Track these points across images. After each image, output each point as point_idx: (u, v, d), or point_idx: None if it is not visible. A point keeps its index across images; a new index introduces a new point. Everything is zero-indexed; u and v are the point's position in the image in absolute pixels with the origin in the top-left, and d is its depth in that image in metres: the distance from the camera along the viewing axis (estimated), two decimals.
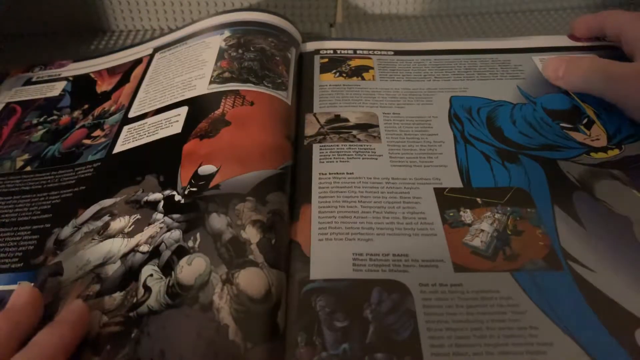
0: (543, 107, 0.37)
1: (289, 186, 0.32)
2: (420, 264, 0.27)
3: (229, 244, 0.27)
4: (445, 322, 0.25)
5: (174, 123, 0.35)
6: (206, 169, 0.31)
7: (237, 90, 0.37)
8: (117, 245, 0.28)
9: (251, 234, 0.28)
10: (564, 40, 0.43)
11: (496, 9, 0.54)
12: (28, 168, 0.36)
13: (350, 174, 0.32)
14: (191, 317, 0.25)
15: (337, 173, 0.33)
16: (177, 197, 0.30)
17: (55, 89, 0.43)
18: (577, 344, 0.24)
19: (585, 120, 0.36)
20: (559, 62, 0.38)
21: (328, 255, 0.28)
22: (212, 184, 0.30)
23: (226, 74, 0.38)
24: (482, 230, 0.29)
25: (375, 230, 0.29)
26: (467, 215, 0.30)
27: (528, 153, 0.33)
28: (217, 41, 0.42)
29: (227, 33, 0.42)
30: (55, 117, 0.41)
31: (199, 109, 0.36)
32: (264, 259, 0.27)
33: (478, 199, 0.31)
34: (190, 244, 0.28)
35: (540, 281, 0.26)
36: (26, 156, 0.37)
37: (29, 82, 0.45)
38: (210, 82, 0.38)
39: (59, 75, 0.45)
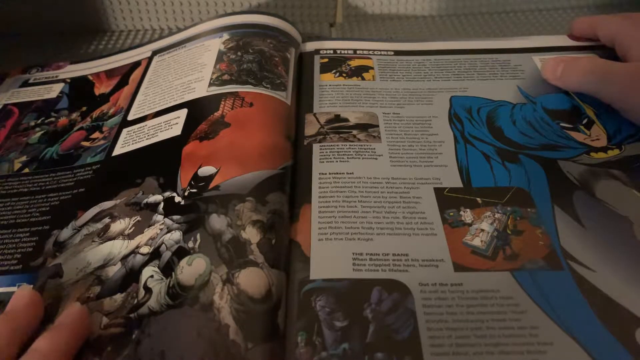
0: (543, 107, 0.37)
1: (288, 186, 0.32)
2: (420, 263, 0.27)
3: (229, 244, 0.27)
4: (445, 322, 0.25)
5: (173, 125, 0.35)
6: (206, 170, 0.31)
7: (236, 92, 0.37)
8: (118, 247, 0.28)
9: (251, 234, 0.28)
10: (563, 40, 0.43)
11: (496, 9, 0.54)
12: (26, 170, 0.36)
13: (350, 173, 0.32)
14: (192, 317, 0.25)
15: (337, 173, 0.33)
16: (177, 199, 0.30)
17: (53, 91, 0.43)
18: (577, 343, 0.24)
19: (585, 120, 0.36)
20: (557, 62, 0.38)
21: (328, 255, 0.28)
22: (212, 184, 0.30)
23: (225, 77, 0.38)
24: (482, 230, 0.29)
25: (375, 230, 0.29)
26: (467, 215, 0.30)
27: (528, 153, 0.33)
28: (215, 44, 0.42)
29: (225, 36, 0.42)
30: (53, 119, 0.40)
31: (198, 111, 0.36)
32: (264, 259, 0.27)
33: (478, 199, 0.31)
34: (190, 244, 0.28)
35: (541, 281, 0.26)
36: (24, 158, 0.37)
37: (26, 84, 0.45)
38: (210, 85, 0.38)
39: (57, 77, 0.45)
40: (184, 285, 0.26)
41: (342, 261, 0.28)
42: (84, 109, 0.41)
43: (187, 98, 0.38)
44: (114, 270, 0.27)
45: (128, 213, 0.30)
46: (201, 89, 0.38)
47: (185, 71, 0.41)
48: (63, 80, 0.45)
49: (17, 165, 0.36)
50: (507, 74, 0.41)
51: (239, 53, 0.40)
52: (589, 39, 0.42)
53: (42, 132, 0.39)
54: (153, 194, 0.31)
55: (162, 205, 0.30)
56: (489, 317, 0.25)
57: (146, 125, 0.37)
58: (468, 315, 0.25)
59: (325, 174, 0.33)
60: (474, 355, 0.23)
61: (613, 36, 0.39)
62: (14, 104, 0.43)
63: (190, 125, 0.35)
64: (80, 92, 0.43)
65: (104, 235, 0.29)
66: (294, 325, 0.25)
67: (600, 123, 0.35)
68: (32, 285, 0.27)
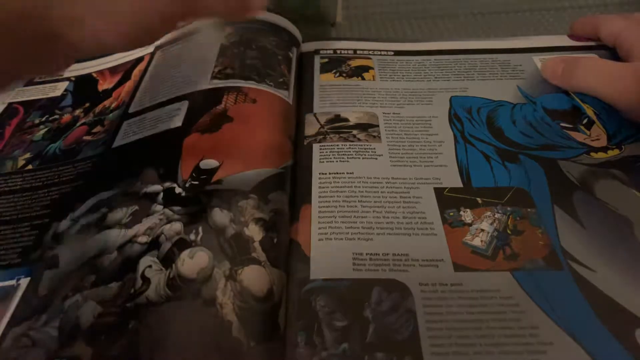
0: (543, 107, 0.37)
1: (289, 186, 0.32)
2: (421, 263, 0.27)
3: (232, 240, 0.27)
4: (445, 322, 0.25)
5: (174, 117, 0.35)
6: (208, 163, 0.31)
7: (239, 87, 0.36)
8: (114, 236, 0.28)
9: (254, 232, 0.28)
10: (564, 40, 0.43)
11: (496, 8, 0.54)
12: (30, 166, 0.36)
13: (350, 173, 0.32)
14: (194, 310, 0.24)
15: (337, 173, 0.33)
16: (178, 190, 0.30)
17: (58, 89, 0.43)
18: (577, 343, 0.24)
19: (585, 120, 0.36)
20: (557, 62, 0.38)
21: (328, 255, 0.28)
22: (214, 178, 0.30)
23: (228, 71, 0.38)
24: (482, 230, 0.29)
25: (375, 229, 0.29)
26: (467, 215, 0.30)
27: (528, 153, 0.33)
28: (218, 38, 0.42)
29: (228, 30, 0.42)
30: (57, 116, 0.41)
31: (200, 103, 0.36)
32: (266, 257, 0.27)
33: (478, 199, 0.31)
34: (192, 237, 0.27)
35: (541, 281, 0.26)
36: (28, 155, 0.37)
37: (31, 83, 0.45)
38: (212, 78, 0.38)
39: (61, 75, 0.45)
40: (185, 278, 0.26)
41: (342, 261, 0.28)
42: (87, 105, 0.41)
43: (189, 90, 0.37)
44: (110, 259, 0.27)
45: (126, 202, 0.30)
46: (203, 82, 0.38)
47: (187, 64, 0.41)
48: (68, 79, 0.45)
49: (20, 163, 0.36)
50: (507, 74, 0.41)
51: (242, 48, 0.40)
52: (589, 39, 0.42)
53: (46, 129, 0.39)
54: (152, 184, 0.31)
55: (161, 195, 0.30)
56: (489, 317, 0.25)
57: (146, 117, 0.37)
58: (468, 315, 0.25)
59: (325, 173, 0.33)
60: (474, 355, 0.24)
61: (614, 36, 0.39)
62: (19, 103, 0.43)
63: (191, 117, 0.35)
64: (85, 89, 0.43)
65: (100, 225, 0.29)
66: (294, 325, 0.25)
67: (600, 123, 0.35)
68: (29, 278, 0.27)
